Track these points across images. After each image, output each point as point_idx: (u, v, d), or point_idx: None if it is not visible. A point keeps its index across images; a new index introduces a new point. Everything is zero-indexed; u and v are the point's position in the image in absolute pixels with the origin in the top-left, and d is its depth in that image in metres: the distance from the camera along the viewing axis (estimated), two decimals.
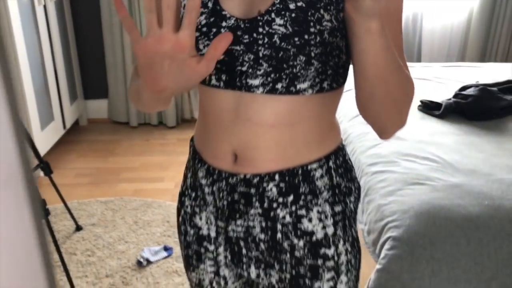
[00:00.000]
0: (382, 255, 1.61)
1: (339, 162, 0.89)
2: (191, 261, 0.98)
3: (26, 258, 0.29)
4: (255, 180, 0.85)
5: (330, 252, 0.88)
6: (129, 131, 3.63)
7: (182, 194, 0.98)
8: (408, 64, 3.13)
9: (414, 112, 2.32)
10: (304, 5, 0.76)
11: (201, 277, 0.98)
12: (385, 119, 0.81)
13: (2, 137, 0.26)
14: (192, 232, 0.96)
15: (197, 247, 0.96)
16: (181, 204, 0.98)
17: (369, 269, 1.70)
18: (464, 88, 2.44)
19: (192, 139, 0.97)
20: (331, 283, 0.90)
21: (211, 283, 0.97)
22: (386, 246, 1.61)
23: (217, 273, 0.96)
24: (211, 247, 0.94)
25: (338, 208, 0.89)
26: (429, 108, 2.32)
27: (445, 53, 3.58)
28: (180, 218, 0.98)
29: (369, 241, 1.77)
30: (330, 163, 0.87)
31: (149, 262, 2.31)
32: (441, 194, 1.66)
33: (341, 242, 0.89)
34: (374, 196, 1.82)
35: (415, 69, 2.98)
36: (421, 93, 2.48)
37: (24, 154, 0.27)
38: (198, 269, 0.98)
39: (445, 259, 1.52)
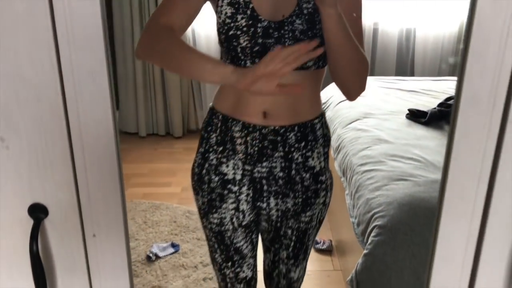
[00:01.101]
0: (368, 241, 1.80)
1: (324, 120, 1.30)
2: (215, 203, 1.27)
3: None
4: (282, 131, 1.20)
5: (323, 178, 1.30)
6: (138, 141, 3.84)
7: (205, 152, 1.27)
8: (402, 77, 3.36)
9: (402, 120, 2.53)
10: (312, 10, 1.13)
11: (223, 216, 1.28)
12: (348, 83, 1.19)
13: None
14: (217, 179, 1.25)
15: (221, 190, 1.26)
16: (204, 160, 1.27)
17: (358, 257, 1.88)
18: (449, 98, 2.66)
19: (213, 108, 1.26)
20: (324, 198, 1.32)
21: (231, 218, 1.28)
22: (373, 233, 1.81)
23: (237, 208, 1.27)
24: (235, 188, 1.25)
25: (326, 149, 1.30)
26: (415, 116, 2.53)
27: (437, 66, 3.80)
28: (204, 170, 1.26)
29: (359, 232, 1.96)
30: (322, 120, 1.28)
31: (157, 257, 2.50)
32: (422, 188, 1.87)
33: (327, 171, 1.32)
34: (363, 192, 2.02)
35: (406, 83, 3.20)
36: (410, 104, 2.70)
37: None
38: (220, 209, 1.27)
39: (424, 244, 1.71)
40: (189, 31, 3.62)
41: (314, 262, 2.49)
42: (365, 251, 1.80)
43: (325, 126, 1.30)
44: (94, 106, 0.61)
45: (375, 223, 1.83)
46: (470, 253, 0.67)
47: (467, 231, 0.66)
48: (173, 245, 2.58)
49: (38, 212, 0.65)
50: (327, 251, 2.56)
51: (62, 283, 0.72)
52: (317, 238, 2.60)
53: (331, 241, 2.60)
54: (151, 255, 2.49)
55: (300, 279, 1.48)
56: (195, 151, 1.33)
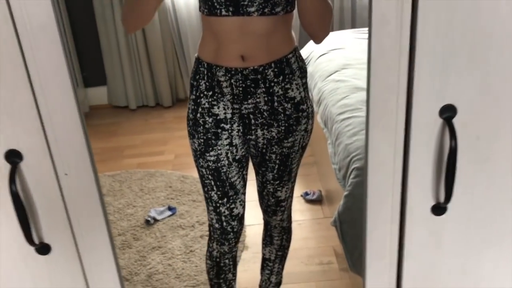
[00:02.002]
0: (348, 183, 1.90)
1: (298, 53, 1.43)
2: (211, 142, 1.42)
3: None
4: (260, 69, 1.34)
5: (304, 107, 1.44)
6: (129, 113, 3.92)
7: (197, 98, 1.41)
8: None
9: None
10: None
11: (219, 152, 1.43)
12: (314, 27, 1.34)
13: None
14: (210, 120, 1.40)
15: (215, 129, 1.41)
16: (197, 105, 1.41)
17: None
18: None
19: (198, 58, 1.40)
20: (306, 125, 1.47)
21: (226, 154, 1.43)
22: (352, 176, 1.90)
23: (230, 144, 1.42)
24: (227, 126, 1.41)
25: (304, 80, 1.44)
26: None
27: None
28: (198, 114, 1.41)
29: (340, 177, 2.06)
30: (296, 54, 1.41)
31: (155, 220, 2.61)
32: None
33: (308, 100, 1.46)
34: (342, 138, 2.11)
35: None
36: None
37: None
38: (216, 146, 1.42)
39: None
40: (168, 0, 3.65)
41: (305, 212, 2.60)
42: (345, 193, 1.90)
43: (300, 59, 1.43)
44: (49, 55, 0.69)
45: (354, 165, 1.92)
46: (398, 160, 0.76)
47: (393, 141, 0.75)
48: (170, 208, 2.69)
49: (13, 157, 0.74)
50: (317, 201, 2.67)
51: (44, 221, 0.81)
52: (307, 190, 2.71)
53: (320, 191, 2.71)
54: (149, 219, 2.59)
55: (288, 199, 1.65)
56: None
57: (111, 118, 3.86)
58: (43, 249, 0.83)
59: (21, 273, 0.86)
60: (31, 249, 0.82)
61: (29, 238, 0.78)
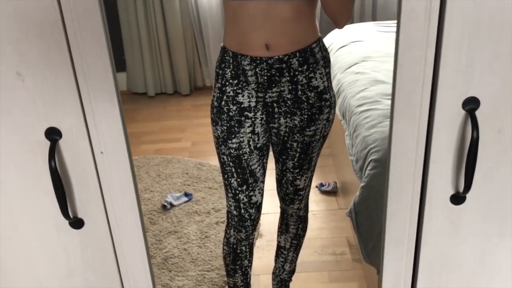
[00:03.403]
0: (365, 175, 1.92)
1: (322, 43, 1.45)
2: (234, 129, 1.45)
3: None
4: (285, 58, 1.35)
5: (327, 96, 1.47)
6: (147, 100, 3.97)
7: (222, 86, 1.43)
8: None
9: None
10: None
11: (241, 140, 1.45)
12: (338, 13, 1.34)
13: None
14: (234, 108, 1.43)
15: (239, 117, 1.44)
16: (222, 93, 1.44)
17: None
18: None
19: (224, 47, 1.42)
20: (328, 114, 1.49)
21: (248, 141, 1.46)
22: (369, 167, 1.93)
23: (253, 131, 1.45)
24: (251, 114, 1.44)
25: (327, 70, 1.46)
26: None
27: None
28: (223, 102, 1.44)
29: (357, 168, 2.08)
30: (320, 44, 1.43)
31: (172, 205, 2.66)
32: None
33: (331, 90, 1.48)
34: (360, 130, 2.13)
35: None
36: None
37: None
38: (239, 133, 1.45)
39: None
40: None
41: (320, 203, 2.63)
42: (362, 184, 1.92)
43: (323, 49, 1.45)
44: (92, 40, 0.73)
45: (371, 157, 1.94)
46: (420, 150, 0.79)
47: (417, 131, 0.77)
48: (186, 194, 2.74)
49: (53, 134, 0.78)
50: (332, 193, 2.70)
51: (79, 197, 0.85)
52: (322, 181, 2.74)
53: (335, 182, 2.73)
54: (166, 204, 2.64)
55: (306, 188, 1.67)
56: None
57: (129, 105, 3.91)
58: (77, 223, 0.87)
59: (54, 245, 0.91)
60: (66, 222, 0.86)
61: (64, 212, 0.82)
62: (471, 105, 0.78)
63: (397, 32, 0.71)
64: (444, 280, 0.94)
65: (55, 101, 0.77)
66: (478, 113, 0.79)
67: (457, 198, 0.86)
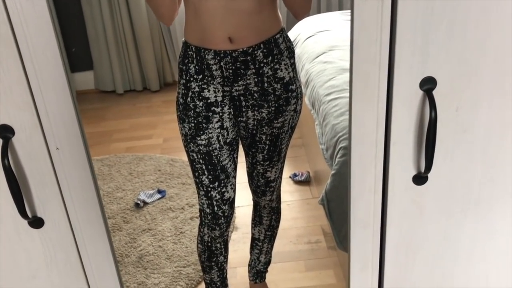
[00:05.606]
0: (335, 162, 1.93)
1: (285, 34, 1.44)
2: (202, 125, 1.42)
3: None
4: (250, 51, 1.34)
5: (293, 87, 1.46)
6: (116, 98, 3.91)
7: (187, 82, 1.41)
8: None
9: None
10: None
11: (210, 136, 1.43)
12: (296, 5, 1.36)
13: None
14: (201, 103, 1.40)
15: (206, 113, 1.41)
16: (187, 89, 1.41)
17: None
18: None
19: (186, 42, 1.40)
20: (295, 105, 1.49)
21: (217, 137, 1.44)
22: (339, 155, 1.94)
23: (221, 127, 1.43)
24: (218, 109, 1.42)
25: (292, 60, 1.45)
26: None
27: None
28: (189, 98, 1.41)
29: (327, 157, 2.09)
30: (283, 34, 1.42)
31: (145, 203, 2.63)
32: None
33: (297, 81, 1.48)
34: (329, 119, 2.14)
35: None
36: None
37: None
38: (207, 129, 1.42)
39: None
40: None
41: (293, 193, 2.64)
42: (332, 172, 1.93)
43: (287, 39, 1.44)
44: (39, 32, 0.70)
45: (340, 145, 1.95)
46: (380, 131, 0.79)
47: (376, 113, 0.77)
48: (160, 191, 2.71)
49: (5, 132, 0.75)
50: (305, 182, 2.70)
51: (36, 195, 0.83)
52: (296, 171, 2.74)
53: (308, 172, 2.74)
54: (139, 202, 2.61)
55: (277, 179, 1.67)
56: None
57: (98, 103, 3.85)
58: (36, 222, 0.85)
59: (14, 246, 0.88)
60: (25, 222, 0.84)
61: (22, 212, 0.80)
62: (428, 85, 0.79)
63: (352, 13, 0.71)
64: (411, 260, 0.95)
65: (5, 97, 0.74)
66: (435, 92, 0.79)
67: (419, 179, 0.87)
